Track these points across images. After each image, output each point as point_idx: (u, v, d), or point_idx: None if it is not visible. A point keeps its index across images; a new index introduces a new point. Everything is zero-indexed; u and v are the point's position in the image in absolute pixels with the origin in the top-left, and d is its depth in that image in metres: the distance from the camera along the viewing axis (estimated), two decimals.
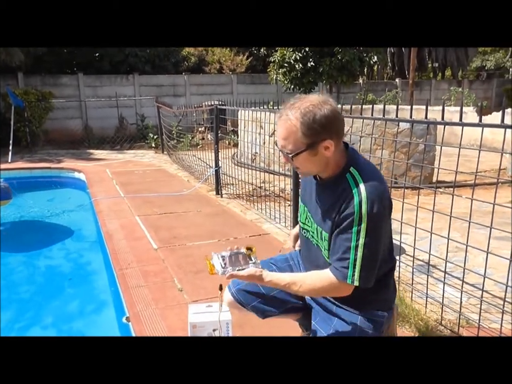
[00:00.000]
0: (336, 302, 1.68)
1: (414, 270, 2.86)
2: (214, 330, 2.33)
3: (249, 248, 1.68)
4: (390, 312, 1.73)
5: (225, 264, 1.63)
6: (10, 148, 9.56)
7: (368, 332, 1.61)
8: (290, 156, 1.50)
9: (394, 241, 3.19)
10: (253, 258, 1.67)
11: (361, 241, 1.44)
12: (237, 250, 1.68)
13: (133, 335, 2.59)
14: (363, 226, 1.43)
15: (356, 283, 1.47)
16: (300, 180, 1.87)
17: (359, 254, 1.45)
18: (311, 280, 1.55)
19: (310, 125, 1.44)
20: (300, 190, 1.84)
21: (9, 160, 9.11)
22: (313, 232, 1.68)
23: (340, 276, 1.50)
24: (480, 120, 2.37)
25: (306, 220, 1.71)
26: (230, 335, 2.33)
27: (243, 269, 1.61)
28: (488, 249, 2.28)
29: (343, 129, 1.52)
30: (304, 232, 1.75)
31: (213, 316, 2.36)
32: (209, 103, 9.76)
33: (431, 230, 2.58)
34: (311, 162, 1.52)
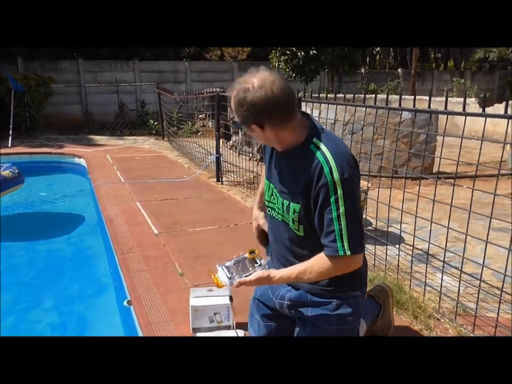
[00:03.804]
0: (309, 300, 1.68)
1: (413, 258, 2.89)
2: (214, 314, 2.38)
3: (252, 252, 1.66)
4: (364, 287, 1.75)
5: (231, 274, 1.61)
6: (10, 132, 9.53)
7: (344, 325, 1.63)
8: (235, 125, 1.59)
9: (394, 230, 3.23)
10: (257, 261, 1.65)
11: (342, 209, 1.45)
12: (240, 257, 1.66)
13: (134, 318, 2.63)
14: (340, 193, 1.44)
15: (348, 252, 1.47)
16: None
17: (343, 223, 1.45)
18: (318, 263, 1.54)
19: (238, 108, 1.48)
20: (264, 168, 1.82)
21: (9, 145, 9.10)
22: (278, 208, 1.66)
23: (330, 251, 1.49)
24: (484, 110, 2.38)
25: (272, 196, 1.69)
26: (231, 319, 2.37)
27: (250, 274, 1.59)
28: (487, 239, 2.31)
29: (280, 113, 1.48)
30: (269, 211, 1.73)
31: (213, 299, 2.40)
32: (210, 90, 9.73)
33: (431, 219, 2.60)
34: (257, 137, 1.57)
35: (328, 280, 1.62)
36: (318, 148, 1.49)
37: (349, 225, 1.46)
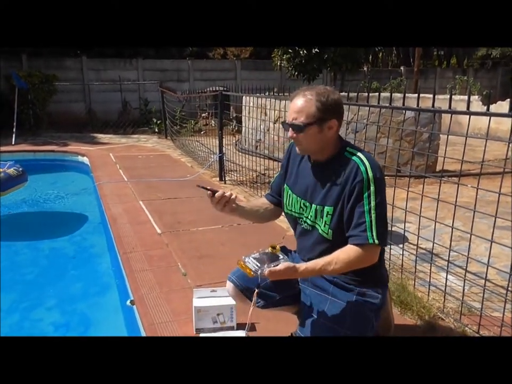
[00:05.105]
0: (334, 280, 1.79)
1: (417, 258, 2.88)
2: (218, 314, 2.37)
3: (273, 247, 1.75)
4: (385, 288, 1.87)
5: (260, 264, 1.69)
6: (14, 130, 9.54)
7: (362, 313, 1.74)
8: (301, 126, 1.68)
9: (397, 230, 3.22)
10: (280, 255, 1.74)
11: (373, 203, 1.64)
12: (264, 251, 1.75)
13: (137, 318, 2.63)
14: (372, 189, 1.64)
15: (377, 241, 1.62)
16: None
17: (373, 215, 1.63)
18: (344, 253, 1.65)
19: (324, 102, 1.67)
20: (285, 188, 1.95)
21: (13, 143, 9.11)
22: (307, 217, 1.81)
23: (361, 240, 1.64)
24: (488, 108, 2.36)
25: (301, 209, 1.84)
26: (234, 320, 2.37)
27: (277, 265, 1.67)
28: (492, 238, 2.29)
29: (343, 114, 1.78)
30: (301, 222, 1.87)
31: (217, 300, 2.39)
32: (213, 89, 9.72)
33: (435, 219, 2.59)
34: (314, 139, 1.71)
35: (350, 275, 1.75)
36: (353, 154, 1.71)
37: (377, 218, 1.64)
